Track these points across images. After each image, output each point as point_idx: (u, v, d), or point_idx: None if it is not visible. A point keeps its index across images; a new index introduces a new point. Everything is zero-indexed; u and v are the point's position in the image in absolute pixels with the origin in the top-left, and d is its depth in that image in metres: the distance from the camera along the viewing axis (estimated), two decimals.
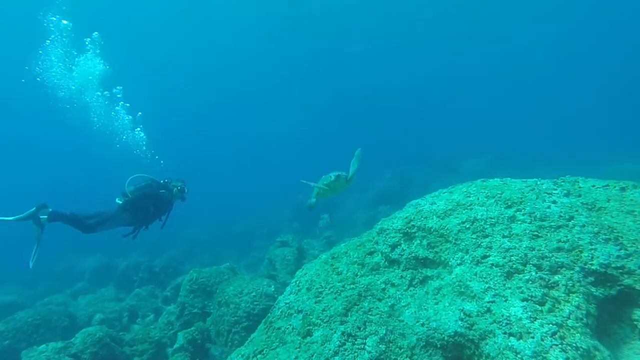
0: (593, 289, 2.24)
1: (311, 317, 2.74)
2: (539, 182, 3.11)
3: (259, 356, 2.75)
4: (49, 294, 11.09)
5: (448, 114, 48.61)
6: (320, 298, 2.88)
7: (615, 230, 2.43)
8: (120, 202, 5.41)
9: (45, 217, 4.87)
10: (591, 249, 2.34)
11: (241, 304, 5.92)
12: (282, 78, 40.41)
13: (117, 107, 12.27)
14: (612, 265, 2.25)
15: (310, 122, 50.25)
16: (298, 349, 2.58)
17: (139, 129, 10.77)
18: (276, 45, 34.14)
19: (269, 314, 3.20)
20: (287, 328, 2.81)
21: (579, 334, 2.00)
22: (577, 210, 2.64)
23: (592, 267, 2.28)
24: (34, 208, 4.82)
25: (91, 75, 12.54)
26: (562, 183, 3.09)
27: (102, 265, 14.12)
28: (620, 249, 2.30)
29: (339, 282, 2.94)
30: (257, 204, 25.13)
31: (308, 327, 2.69)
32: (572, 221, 2.54)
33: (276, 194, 26.75)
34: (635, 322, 2.17)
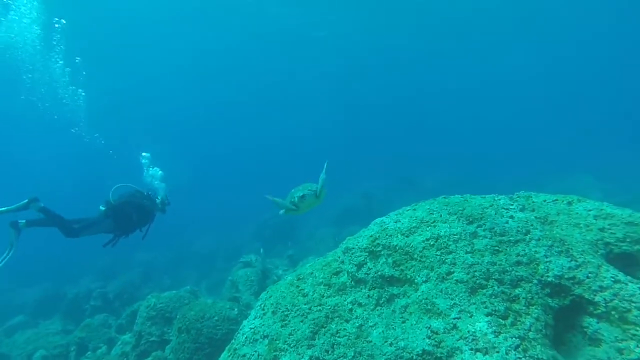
0: (549, 300, 2.34)
1: (277, 342, 2.64)
2: (496, 198, 3.25)
3: None
4: None
5: (407, 131, 50.59)
6: (286, 322, 2.79)
7: (566, 243, 2.57)
8: (103, 209, 5.62)
9: (24, 222, 5.00)
10: (546, 262, 2.46)
11: (203, 330, 5.63)
12: (242, 94, 40.24)
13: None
14: (565, 277, 2.37)
15: (272, 138, 50.19)
16: None
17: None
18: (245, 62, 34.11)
19: (233, 340, 3.05)
20: (253, 355, 2.68)
21: (539, 345, 2.06)
22: (532, 225, 2.77)
23: (548, 279, 2.38)
24: (26, 200, 4.99)
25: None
26: (517, 198, 3.25)
27: (46, 294, 12.97)
28: (571, 260, 2.43)
29: (305, 304, 2.86)
30: (217, 222, 24.45)
31: (274, 353, 2.58)
32: (529, 235, 2.67)
33: (237, 212, 26.19)
34: (584, 329, 2.28)
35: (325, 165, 4.23)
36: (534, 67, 38.00)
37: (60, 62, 15.36)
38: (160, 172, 7.70)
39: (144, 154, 7.98)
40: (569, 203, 3.10)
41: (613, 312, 2.21)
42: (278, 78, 37.26)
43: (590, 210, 2.97)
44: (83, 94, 15.79)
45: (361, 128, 50.78)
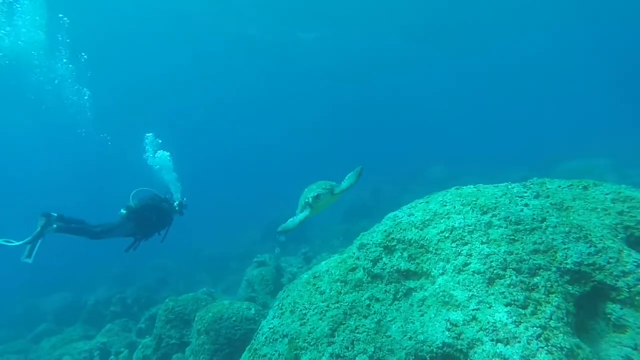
0: (569, 288, 2.31)
1: (297, 340, 2.66)
2: (509, 186, 3.21)
3: None
4: (3, 343, 10.10)
5: (411, 125, 50.27)
6: (305, 320, 2.81)
7: (583, 229, 2.53)
8: (125, 212, 5.85)
9: (55, 226, 5.18)
10: (564, 249, 2.42)
11: (221, 330, 5.69)
12: (248, 94, 40.36)
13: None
14: (585, 263, 2.34)
15: (278, 136, 50.28)
16: None
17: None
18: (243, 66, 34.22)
19: (253, 340, 3.08)
20: (274, 354, 2.71)
21: (561, 334, 2.04)
22: (547, 212, 2.74)
23: (567, 266, 2.35)
24: (39, 228, 5.08)
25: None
26: (531, 185, 3.20)
27: (67, 302, 13.25)
28: (590, 246, 2.39)
29: (322, 302, 2.88)
30: (226, 223, 24.61)
31: (295, 352, 2.60)
32: (545, 222, 2.63)
33: (246, 212, 26.34)
34: (608, 315, 2.24)
35: (358, 169, 4.11)
36: (547, 52, 37.39)
37: (64, 60, 15.42)
38: (168, 156, 7.75)
39: (147, 134, 8.00)
40: (585, 187, 3.05)
41: (638, 297, 2.17)
42: (284, 77, 37.29)
43: (607, 194, 2.92)
44: (88, 92, 15.91)
45: (367, 124, 50.61)
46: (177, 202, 6.56)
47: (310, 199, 3.69)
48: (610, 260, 2.29)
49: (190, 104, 40.03)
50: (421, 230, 2.93)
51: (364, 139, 48.54)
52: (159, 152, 7.84)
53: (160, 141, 8.07)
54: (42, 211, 5.24)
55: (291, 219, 3.86)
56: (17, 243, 4.96)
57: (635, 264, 2.23)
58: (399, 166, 24.62)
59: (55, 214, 5.31)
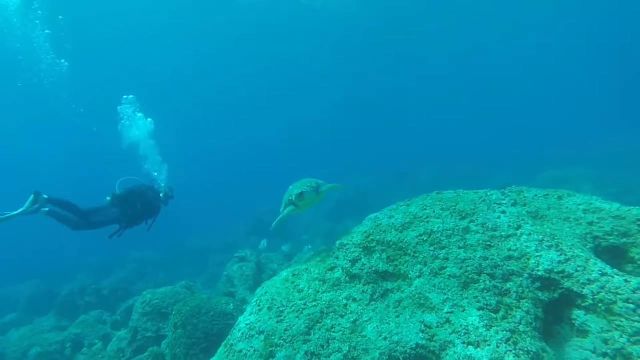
0: (539, 294, 2.40)
1: (273, 337, 2.67)
2: (488, 193, 3.29)
3: None
4: None
5: (401, 127, 50.75)
6: (281, 317, 2.82)
7: (555, 237, 2.62)
8: (109, 199, 5.92)
9: (47, 209, 5.33)
10: (537, 256, 2.51)
11: (199, 325, 5.65)
12: (238, 92, 40.05)
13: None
14: (555, 270, 2.42)
15: (266, 134, 50.04)
16: None
17: None
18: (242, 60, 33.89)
19: (229, 336, 3.07)
20: (249, 350, 2.71)
21: (529, 338, 2.12)
22: (523, 219, 2.82)
23: (538, 273, 2.44)
24: (32, 196, 5.26)
25: None
26: (509, 193, 3.29)
27: (40, 291, 12.86)
28: (561, 254, 2.48)
29: (300, 300, 2.90)
30: (211, 218, 24.41)
31: (270, 349, 2.61)
32: (520, 230, 2.72)
33: (231, 208, 26.16)
34: (573, 321, 2.34)
35: (337, 185, 3.94)
36: (524, 58, 38.23)
37: (45, 30, 14.66)
38: (151, 123, 7.59)
39: (126, 96, 7.79)
40: (559, 197, 3.15)
41: (600, 304, 2.27)
42: (273, 76, 37.10)
43: (579, 205, 3.03)
44: (66, 64, 15.23)
45: (356, 123, 50.82)
46: (162, 193, 6.55)
47: (293, 196, 3.55)
48: (578, 268, 2.38)
49: (182, 99, 39.46)
50: (400, 232, 2.98)
51: (354, 138, 48.77)
52: (138, 114, 7.65)
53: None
54: (34, 189, 5.32)
55: (282, 213, 3.77)
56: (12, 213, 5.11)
57: (600, 272, 2.33)
58: (388, 167, 24.79)
59: (46, 196, 5.37)
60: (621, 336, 2.10)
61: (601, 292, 2.29)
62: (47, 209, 5.38)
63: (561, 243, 2.57)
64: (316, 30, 29.38)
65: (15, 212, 5.16)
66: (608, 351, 2.13)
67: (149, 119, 7.84)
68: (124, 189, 6.08)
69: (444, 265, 2.60)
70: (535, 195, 3.20)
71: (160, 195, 6.54)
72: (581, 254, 2.48)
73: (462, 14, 27.75)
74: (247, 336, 2.82)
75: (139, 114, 7.85)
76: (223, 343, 3.04)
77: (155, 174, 6.96)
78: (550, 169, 16.49)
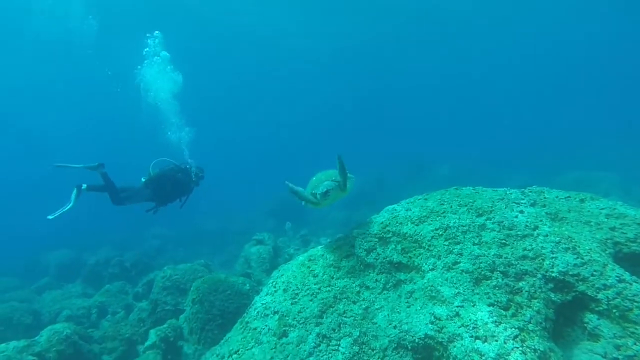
0: (552, 295, 2.41)
1: (287, 318, 2.80)
2: (508, 192, 3.28)
3: (234, 356, 2.78)
4: (8, 291, 10.57)
5: (421, 122, 49.88)
6: (296, 300, 2.93)
7: (573, 240, 2.61)
8: (144, 180, 6.46)
9: (85, 186, 5.97)
10: (552, 257, 2.51)
11: (215, 302, 5.89)
12: (259, 79, 40.26)
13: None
14: (570, 273, 2.42)
15: (287, 123, 50.22)
16: (274, 350, 2.63)
17: None
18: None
19: (245, 314, 3.23)
20: (263, 329, 2.85)
21: (537, 337, 2.15)
22: (541, 220, 2.81)
23: (552, 275, 2.44)
24: (96, 163, 6.07)
25: None
26: (529, 193, 3.27)
27: (69, 260, 13.63)
28: (577, 258, 2.48)
29: (315, 284, 3.00)
30: (230, 202, 24.89)
31: (284, 328, 2.74)
32: (537, 230, 2.71)
33: (250, 192, 26.60)
34: (585, 324, 2.35)
35: (339, 159, 3.23)
36: (549, 57, 36.72)
37: None
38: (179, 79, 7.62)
39: (150, 34, 7.89)
40: (582, 200, 3.11)
41: (614, 310, 2.26)
42: (294, 64, 37.02)
43: (602, 209, 2.98)
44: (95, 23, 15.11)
45: (379, 115, 50.29)
46: (193, 173, 6.93)
47: (318, 195, 3.22)
48: (595, 273, 2.37)
49: (204, 86, 39.87)
50: (417, 225, 3.02)
51: (375, 130, 48.36)
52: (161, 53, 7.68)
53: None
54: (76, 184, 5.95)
55: (303, 190, 3.41)
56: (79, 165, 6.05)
57: (617, 278, 2.31)
58: (407, 159, 24.55)
59: (85, 186, 5.99)
60: (635, 343, 2.10)
61: (617, 298, 2.28)
62: (85, 186, 5.96)
63: (579, 246, 2.56)
64: (341, 21, 29.05)
65: (66, 209, 5.79)
66: (619, 357, 2.13)
67: (177, 74, 7.96)
68: (157, 172, 6.55)
69: (458, 260, 2.64)
70: (557, 197, 3.17)
71: (192, 175, 6.90)
72: (599, 258, 2.46)
73: (485, 11, 26.86)
74: (262, 315, 2.96)
75: (169, 67, 7.96)
76: (239, 320, 3.20)
77: (189, 158, 7.28)
78: (573, 170, 15.94)
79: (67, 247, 15.33)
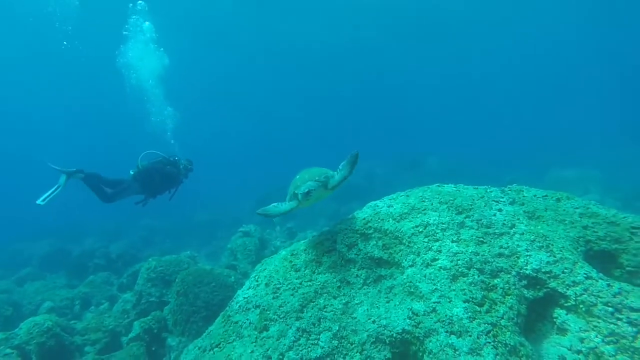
0: (525, 292, 2.49)
1: (268, 312, 2.83)
2: (488, 190, 3.35)
3: (215, 349, 2.81)
4: None
5: (414, 116, 50.16)
6: (277, 294, 2.96)
7: (547, 239, 2.69)
8: (132, 173, 6.46)
9: (83, 175, 6.01)
10: (527, 255, 2.59)
11: (200, 294, 5.90)
12: (251, 71, 39.77)
13: None
14: (542, 270, 2.50)
15: (278, 115, 49.94)
16: (254, 343, 2.66)
17: None
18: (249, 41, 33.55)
19: (227, 308, 3.25)
20: (245, 322, 2.88)
21: (509, 332, 2.22)
22: (518, 219, 2.89)
23: (526, 272, 2.52)
24: (74, 169, 5.98)
25: None
26: (509, 192, 3.34)
27: (53, 250, 13.43)
28: (550, 256, 2.56)
29: (296, 279, 3.03)
30: (220, 194, 24.78)
31: (265, 322, 2.77)
32: (514, 229, 2.78)
33: (238, 185, 26.51)
34: (554, 319, 2.44)
35: (352, 154, 3.09)
36: (540, 57, 37.22)
37: None
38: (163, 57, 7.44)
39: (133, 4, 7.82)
40: (558, 200, 3.19)
41: (581, 306, 2.35)
42: (284, 57, 36.72)
43: (577, 208, 3.07)
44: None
45: (371, 109, 50.35)
46: (182, 166, 6.96)
47: (299, 195, 3.06)
48: (565, 270, 2.46)
49: (193, 76, 39.19)
50: (398, 222, 3.07)
51: (367, 124, 48.47)
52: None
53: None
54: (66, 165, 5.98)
55: (275, 205, 3.35)
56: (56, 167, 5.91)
57: (585, 275, 2.40)
58: (397, 153, 24.74)
59: (74, 169, 5.97)
60: (596, 336, 2.20)
61: (584, 294, 2.37)
62: (82, 175, 6.03)
63: (552, 245, 2.64)
64: (340, 17, 28.86)
65: (56, 192, 5.78)
66: (582, 349, 2.23)
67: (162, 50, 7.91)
68: (145, 164, 6.54)
69: (436, 257, 2.70)
70: (535, 196, 3.25)
71: (181, 168, 6.92)
72: (570, 256, 2.55)
73: (481, 10, 27.03)
74: (244, 309, 2.99)
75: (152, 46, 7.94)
76: (221, 314, 3.22)
77: (172, 139, 7.24)
78: (559, 168, 16.31)
79: (52, 237, 15.13)
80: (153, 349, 5.75)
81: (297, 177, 3.35)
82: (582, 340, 2.23)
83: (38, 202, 5.60)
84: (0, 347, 5.08)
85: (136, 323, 6.07)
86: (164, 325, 6.08)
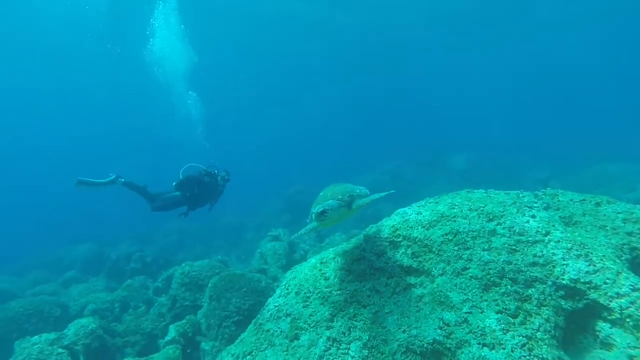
0: (562, 302, 2.40)
1: (299, 321, 2.87)
2: (520, 195, 3.24)
3: (248, 357, 2.88)
4: (39, 283, 11.12)
5: (436, 113, 49.09)
6: (308, 303, 3.00)
7: (586, 246, 2.58)
8: (174, 184, 6.98)
9: (123, 180, 6.68)
10: (563, 264, 2.49)
11: (232, 299, 6.04)
12: (279, 73, 40.25)
13: None
14: (581, 280, 2.40)
15: (303, 117, 50.25)
16: (285, 352, 2.71)
17: None
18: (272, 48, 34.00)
19: (259, 315, 3.32)
20: (276, 331, 2.94)
21: (545, 346, 2.15)
22: (553, 225, 2.78)
23: (563, 282, 2.43)
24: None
25: None
26: (543, 196, 3.23)
27: (92, 254, 14.17)
28: (589, 265, 2.45)
29: (326, 288, 3.06)
30: (246, 196, 25.21)
31: (295, 331, 2.82)
32: (548, 236, 2.69)
33: (265, 186, 26.88)
34: (597, 332, 2.33)
35: (388, 192, 2.95)
36: (588, 46, 35.42)
37: None
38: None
39: None
40: (597, 204, 3.05)
41: (628, 320, 2.24)
42: (316, 57, 36.89)
43: (619, 213, 2.93)
44: None
45: (393, 108, 49.74)
46: (219, 177, 7.33)
47: (313, 215, 2.73)
48: (607, 281, 2.35)
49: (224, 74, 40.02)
50: (427, 230, 3.04)
51: (391, 123, 47.92)
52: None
53: None
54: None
55: (303, 230, 3.10)
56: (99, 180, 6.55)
57: (632, 287, 2.28)
58: (421, 151, 24.26)
59: (123, 179, 6.70)
60: None
61: (631, 307, 2.26)
62: (123, 180, 6.71)
63: (591, 253, 2.52)
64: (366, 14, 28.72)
65: (96, 181, 6.46)
66: None
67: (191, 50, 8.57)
68: (185, 176, 7.01)
69: (467, 266, 2.65)
70: (571, 200, 3.12)
71: (218, 179, 7.30)
72: (612, 266, 2.43)
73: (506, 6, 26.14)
74: (275, 317, 3.05)
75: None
76: (253, 321, 3.30)
77: (212, 157, 7.70)
78: (601, 162, 15.42)
79: (89, 241, 15.95)
80: (188, 351, 5.95)
81: (321, 193, 3.11)
82: (631, 357, 2.12)
83: (79, 177, 6.32)
84: (54, 347, 5.42)
85: (172, 326, 6.29)
86: (197, 328, 6.27)
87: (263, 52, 35.93)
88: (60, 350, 5.58)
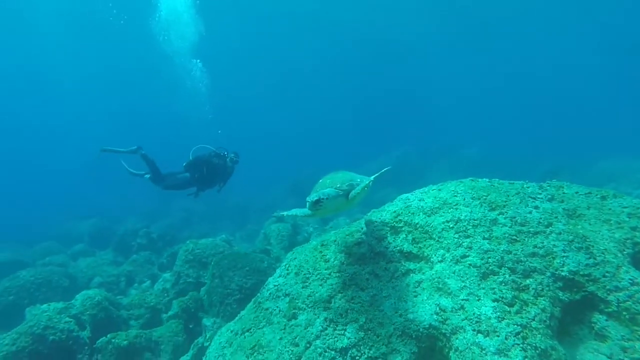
0: (560, 293, 2.40)
1: (297, 301, 2.92)
2: (525, 185, 3.21)
3: (246, 334, 2.95)
4: (48, 254, 11.41)
5: (452, 103, 48.34)
6: (307, 283, 3.04)
7: (588, 239, 2.56)
8: (184, 165, 7.18)
9: (144, 152, 7.02)
10: (563, 256, 2.48)
11: (234, 278, 6.15)
12: (287, 61, 39.87)
13: None
14: (580, 273, 2.40)
15: (313, 102, 49.85)
16: (283, 330, 2.77)
17: None
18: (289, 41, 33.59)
19: (258, 294, 3.38)
20: (274, 310, 2.99)
21: (540, 335, 2.17)
22: (556, 217, 2.76)
23: (562, 274, 2.42)
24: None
25: None
26: (548, 187, 3.19)
27: (100, 228, 14.48)
28: (590, 258, 2.44)
29: (325, 270, 3.09)
30: (253, 179, 25.35)
31: (294, 311, 2.87)
32: (550, 228, 2.67)
33: (272, 169, 26.99)
34: (593, 324, 2.34)
35: (382, 171, 2.87)
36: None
37: None
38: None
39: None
40: (603, 197, 3.02)
41: (624, 313, 2.24)
42: (324, 47, 36.40)
43: (625, 207, 2.89)
44: None
45: (405, 96, 49.03)
46: (228, 158, 7.41)
47: (308, 203, 2.58)
48: (607, 274, 2.34)
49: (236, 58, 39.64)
50: (428, 216, 3.03)
51: (401, 110, 47.38)
52: None
53: None
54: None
55: (294, 211, 2.94)
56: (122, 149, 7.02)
57: (631, 281, 2.28)
58: (431, 140, 24.07)
59: (143, 151, 7.06)
60: None
61: (628, 301, 2.26)
62: (143, 152, 7.02)
63: (592, 246, 2.51)
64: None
65: (119, 150, 6.93)
66: (625, 359, 2.13)
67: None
68: (194, 157, 7.17)
69: (467, 254, 2.65)
70: (576, 193, 3.08)
71: (227, 161, 7.37)
72: (613, 260, 2.42)
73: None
74: (274, 297, 3.10)
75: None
76: (253, 300, 3.36)
77: (224, 143, 7.79)
78: (610, 157, 15.17)
79: (97, 216, 16.27)
80: (190, 326, 6.10)
81: (321, 180, 2.94)
82: (624, 349, 2.13)
83: (103, 147, 6.81)
84: (62, 315, 5.59)
85: (175, 302, 6.44)
86: (200, 305, 6.41)
87: (278, 34, 35.49)
88: (67, 319, 5.76)
